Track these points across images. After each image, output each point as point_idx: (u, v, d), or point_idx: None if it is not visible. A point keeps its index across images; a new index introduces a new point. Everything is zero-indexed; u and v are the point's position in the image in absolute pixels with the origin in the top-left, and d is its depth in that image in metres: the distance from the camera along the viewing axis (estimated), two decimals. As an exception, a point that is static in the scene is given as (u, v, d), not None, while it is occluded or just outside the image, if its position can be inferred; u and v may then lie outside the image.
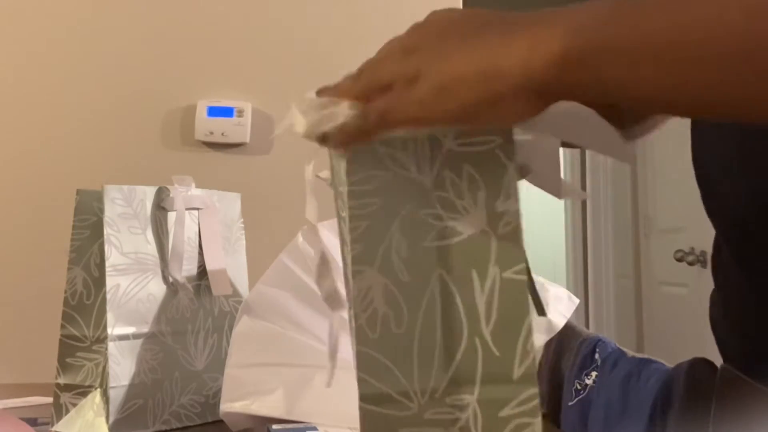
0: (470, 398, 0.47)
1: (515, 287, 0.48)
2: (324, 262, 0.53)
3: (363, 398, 0.48)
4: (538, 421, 0.47)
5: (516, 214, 0.48)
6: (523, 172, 0.52)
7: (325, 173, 0.54)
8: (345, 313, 0.54)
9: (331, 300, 0.53)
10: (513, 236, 0.48)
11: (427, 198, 0.49)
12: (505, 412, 0.47)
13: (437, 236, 0.48)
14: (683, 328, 2.59)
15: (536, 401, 0.47)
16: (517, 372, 0.47)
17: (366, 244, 0.49)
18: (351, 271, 0.49)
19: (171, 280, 1.05)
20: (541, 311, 0.51)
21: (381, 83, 0.49)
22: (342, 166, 0.50)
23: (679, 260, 2.54)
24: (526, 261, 0.49)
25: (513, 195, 0.48)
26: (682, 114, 0.48)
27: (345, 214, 0.50)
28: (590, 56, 0.44)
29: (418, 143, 0.49)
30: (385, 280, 0.48)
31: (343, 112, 0.49)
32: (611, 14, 0.45)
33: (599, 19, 0.45)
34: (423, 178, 0.49)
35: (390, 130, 0.48)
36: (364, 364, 0.48)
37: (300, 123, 0.51)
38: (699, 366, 0.74)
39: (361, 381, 0.48)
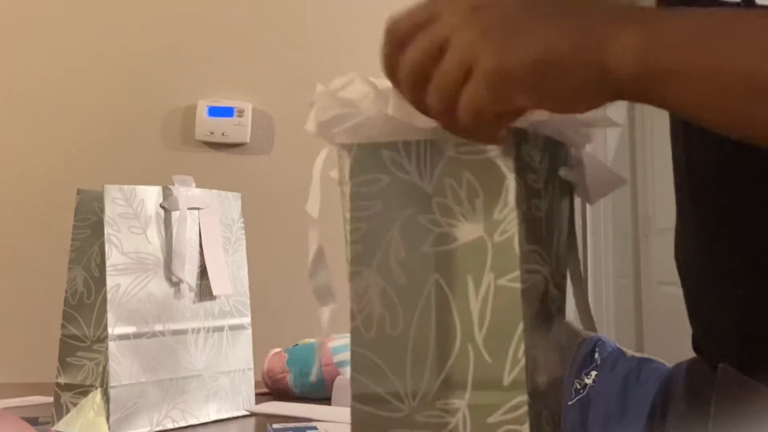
0: (460, 403, 0.48)
1: (509, 295, 0.48)
2: (319, 256, 0.53)
3: (355, 398, 0.49)
4: (525, 428, 0.47)
5: (512, 223, 0.48)
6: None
7: (335, 172, 0.55)
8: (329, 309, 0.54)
9: (321, 294, 0.53)
10: (508, 244, 0.48)
11: (427, 203, 0.49)
12: (494, 418, 0.47)
13: (435, 241, 0.49)
14: (683, 327, 2.59)
15: (525, 408, 0.47)
16: (507, 379, 0.47)
17: (365, 245, 0.49)
18: (349, 271, 0.49)
19: (174, 279, 1.05)
20: None
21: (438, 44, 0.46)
22: (347, 166, 0.50)
23: (679, 260, 2.54)
24: (519, 269, 0.49)
25: (510, 204, 0.48)
26: (737, 137, 0.49)
27: (347, 214, 0.50)
28: (662, 76, 0.45)
29: (420, 148, 0.49)
30: (383, 282, 0.49)
31: (360, 110, 0.49)
32: (689, 36, 0.45)
33: (679, 39, 0.45)
34: (423, 183, 0.49)
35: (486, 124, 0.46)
36: (358, 364, 0.49)
37: (311, 121, 0.51)
38: (699, 366, 0.74)
39: (354, 380, 0.49)
